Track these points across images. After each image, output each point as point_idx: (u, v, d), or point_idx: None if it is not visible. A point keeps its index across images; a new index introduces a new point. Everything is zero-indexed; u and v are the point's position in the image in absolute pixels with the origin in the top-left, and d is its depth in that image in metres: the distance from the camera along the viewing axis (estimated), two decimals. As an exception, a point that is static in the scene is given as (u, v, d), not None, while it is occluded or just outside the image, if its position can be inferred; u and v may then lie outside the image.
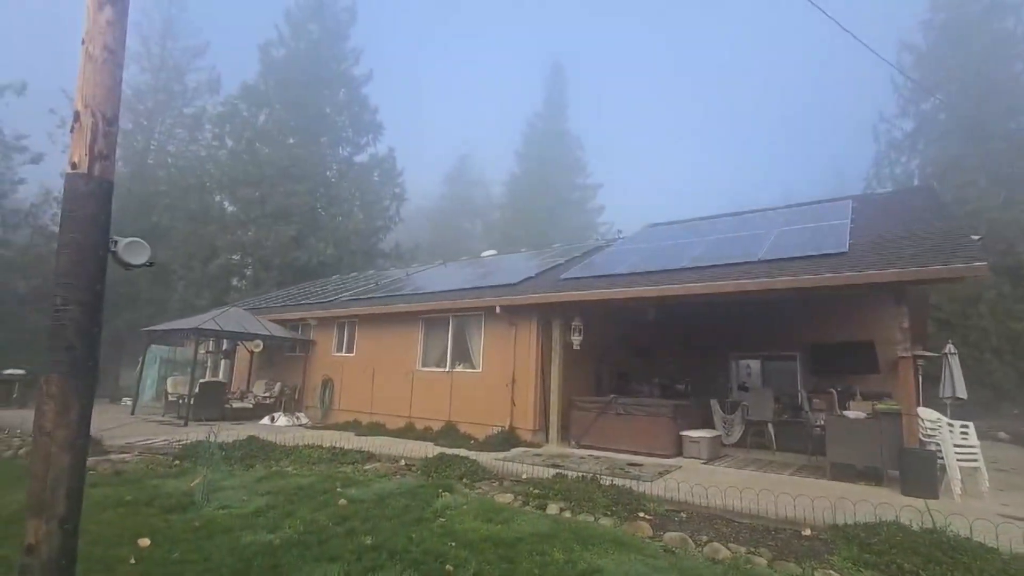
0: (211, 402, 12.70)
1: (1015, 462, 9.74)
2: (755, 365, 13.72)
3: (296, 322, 14.93)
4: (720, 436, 9.91)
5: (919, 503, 5.63)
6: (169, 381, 13.78)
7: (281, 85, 28.04)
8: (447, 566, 3.98)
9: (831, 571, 4.14)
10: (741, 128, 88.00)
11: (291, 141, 27.95)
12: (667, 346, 14.24)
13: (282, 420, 12.57)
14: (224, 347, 16.88)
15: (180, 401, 12.57)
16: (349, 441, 9.61)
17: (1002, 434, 13.92)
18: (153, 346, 15.61)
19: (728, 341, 13.51)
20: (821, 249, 8.10)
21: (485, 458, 8.04)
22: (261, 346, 13.34)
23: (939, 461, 6.45)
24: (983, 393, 19.31)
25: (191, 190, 25.57)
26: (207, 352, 18.01)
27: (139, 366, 15.62)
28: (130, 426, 11.17)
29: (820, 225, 9.75)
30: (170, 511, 5.21)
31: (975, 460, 6.49)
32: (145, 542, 4.28)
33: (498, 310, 10.14)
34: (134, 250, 2.99)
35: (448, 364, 11.36)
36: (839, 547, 4.46)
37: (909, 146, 28.01)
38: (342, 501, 5.75)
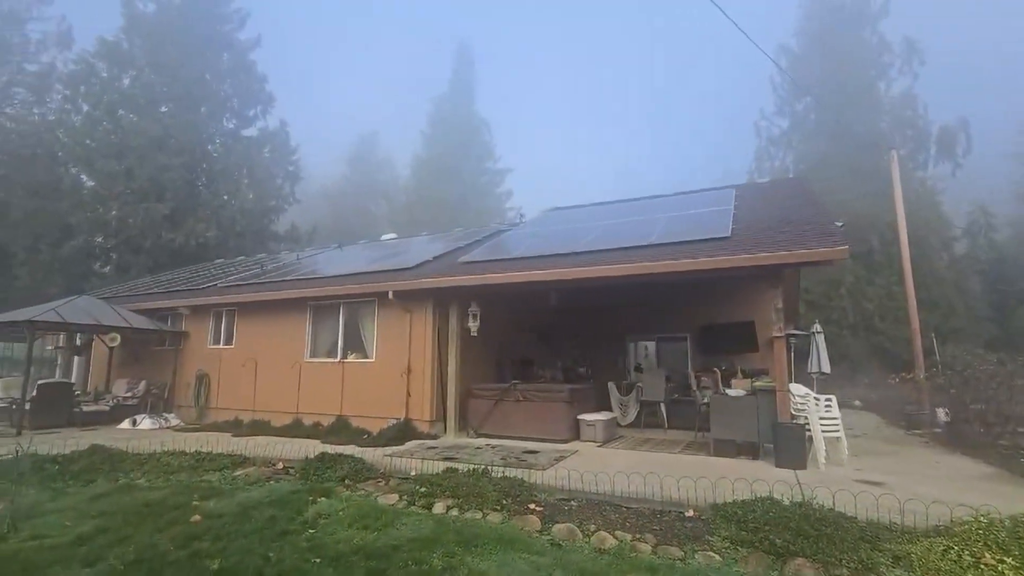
0: (54, 406, 10.90)
1: (867, 427, 10.87)
2: (652, 347, 14.24)
3: (166, 311, 13.27)
4: (615, 418, 10.09)
5: (790, 475, 5.95)
6: (0, 383, 11.69)
7: (150, 44, 24.76)
8: (305, 589, 3.48)
9: (711, 552, 4.16)
10: (643, 117, 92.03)
11: (164, 109, 24.85)
12: (570, 330, 14.37)
13: (146, 423, 11.10)
14: (78, 342, 14.69)
15: (13, 406, 10.68)
16: (223, 443, 8.61)
17: (857, 402, 15.66)
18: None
19: (627, 324, 13.86)
20: (707, 234, 8.36)
21: (375, 454, 7.51)
22: (118, 339, 11.65)
23: (807, 433, 6.89)
24: (841, 366, 21.65)
25: (36, 160, 21.95)
26: (56, 348, 15.62)
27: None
28: (-59, 440, 9.26)
29: (707, 211, 10.15)
30: (-45, 550, 4.20)
31: (837, 431, 7.02)
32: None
33: (391, 295, 9.53)
34: None
35: (339, 354, 10.57)
36: (719, 527, 4.51)
37: (785, 142, 30.67)
38: (196, 517, 5.00)
